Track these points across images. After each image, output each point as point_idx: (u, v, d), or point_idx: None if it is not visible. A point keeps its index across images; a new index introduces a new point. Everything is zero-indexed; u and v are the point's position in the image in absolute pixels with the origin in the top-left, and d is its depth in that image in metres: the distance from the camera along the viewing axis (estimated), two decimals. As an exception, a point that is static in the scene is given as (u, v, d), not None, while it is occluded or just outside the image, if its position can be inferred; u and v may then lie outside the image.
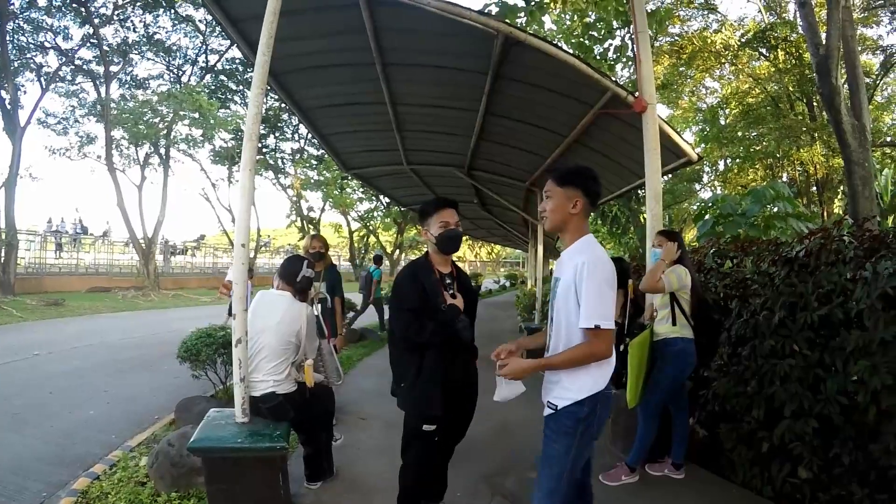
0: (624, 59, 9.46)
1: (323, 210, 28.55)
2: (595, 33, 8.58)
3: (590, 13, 8.02)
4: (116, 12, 19.73)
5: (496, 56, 4.28)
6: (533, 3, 7.19)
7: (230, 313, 3.06)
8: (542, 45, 3.94)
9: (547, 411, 2.24)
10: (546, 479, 2.21)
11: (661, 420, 3.72)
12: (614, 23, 8.48)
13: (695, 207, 23.35)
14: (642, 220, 14.88)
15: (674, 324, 3.58)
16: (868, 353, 2.99)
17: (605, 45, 8.94)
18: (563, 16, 9.64)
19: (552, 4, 8.00)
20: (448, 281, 2.87)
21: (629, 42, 9.01)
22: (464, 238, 38.42)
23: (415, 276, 2.82)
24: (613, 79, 4.46)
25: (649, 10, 8.91)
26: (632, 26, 8.64)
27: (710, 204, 10.07)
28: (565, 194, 2.19)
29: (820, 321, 3.34)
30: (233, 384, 3.06)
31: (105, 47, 19.67)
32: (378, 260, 12.99)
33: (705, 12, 20.15)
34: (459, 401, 2.85)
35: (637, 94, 4.10)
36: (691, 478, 3.76)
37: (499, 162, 8.37)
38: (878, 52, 18.37)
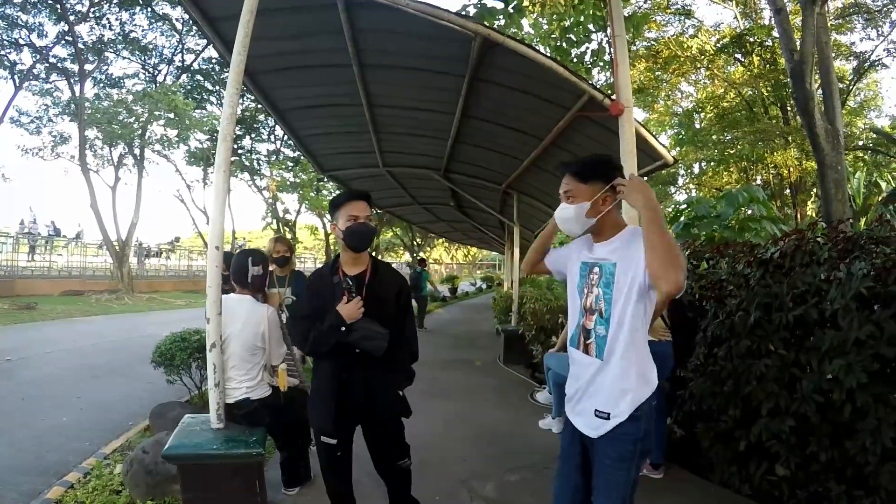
0: (601, 63, 9.52)
1: (299, 212, 28.41)
2: (572, 37, 8.60)
3: (567, 17, 8.03)
4: (92, 9, 19.37)
5: (474, 58, 4.27)
6: (511, 6, 7.19)
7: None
8: (519, 48, 3.93)
9: (598, 424, 1.93)
10: None
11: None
12: (591, 27, 8.51)
13: (670, 210, 23.65)
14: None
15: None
16: (842, 353, 3.03)
17: (582, 48, 8.98)
18: (539, 20, 9.68)
19: (531, 7, 8.04)
20: (351, 284, 2.57)
21: (606, 46, 9.07)
22: (440, 240, 38.40)
23: (313, 281, 2.74)
24: (590, 82, 4.46)
25: (626, 15, 8.99)
26: (609, 30, 8.75)
27: (685, 206, 10.18)
28: (591, 190, 1.95)
29: (795, 321, 3.38)
30: (207, 389, 3.00)
31: (80, 45, 19.31)
32: (423, 262, 15.89)
33: (682, 17, 20.45)
34: (365, 422, 2.63)
35: (614, 97, 4.12)
36: (670, 477, 3.78)
37: (475, 164, 8.38)
38: (850, 58, 18.84)
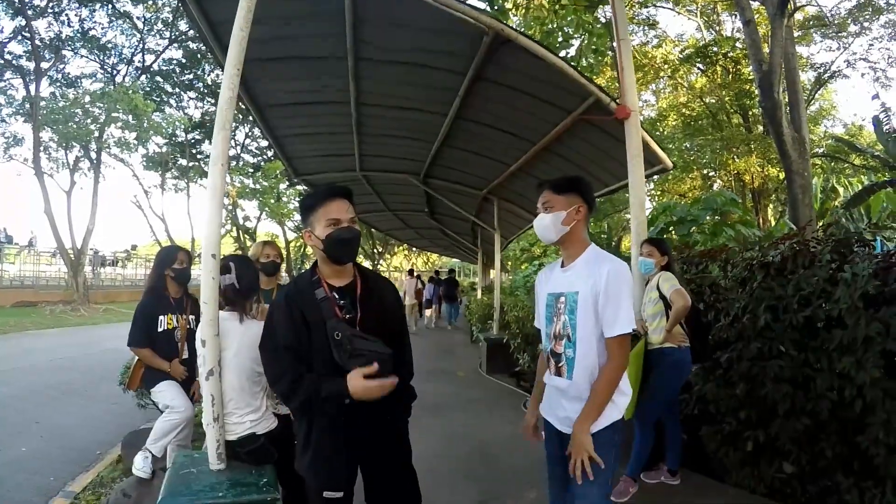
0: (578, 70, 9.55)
1: (259, 219, 27.98)
2: (552, 42, 8.62)
3: (550, 22, 8.03)
4: (51, 4, 18.63)
5: (481, 55, 4.13)
6: (495, 8, 7.14)
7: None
8: (531, 46, 3.83)
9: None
10: (595, 497, 2.05)
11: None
12: (570, 30, 8.55)
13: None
14: (589, 229, 15.15)
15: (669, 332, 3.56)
16: (851, 350, 3.10)
17: (562, 54, 9.01)
18: (517, 23, 9.67)
19: (514, 10, 8.02)
20: (344, 299, 2.09)
21: (584, 51, 9.13)
22: (401, 247, 37.94)
23: (289, 299, 2.09)
24: (598, 84, 4.39)
25: (601, 26, 9.06)
26: (591, 37, 8.84)
27: (661, 211, 10.35)
28: (567, 201, 2.15)
29: (804, 322, 3.42)
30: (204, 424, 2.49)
31: (37, 41, 18.58)
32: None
33: (645, 28, 20.99)
34: (374, 460, 2.17)
35: (619, 100, 4.06)
36: (687, 483, 3.73)
37: (458, 169, 8.25)
38: (807, 69, 19.66)
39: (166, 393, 3.53)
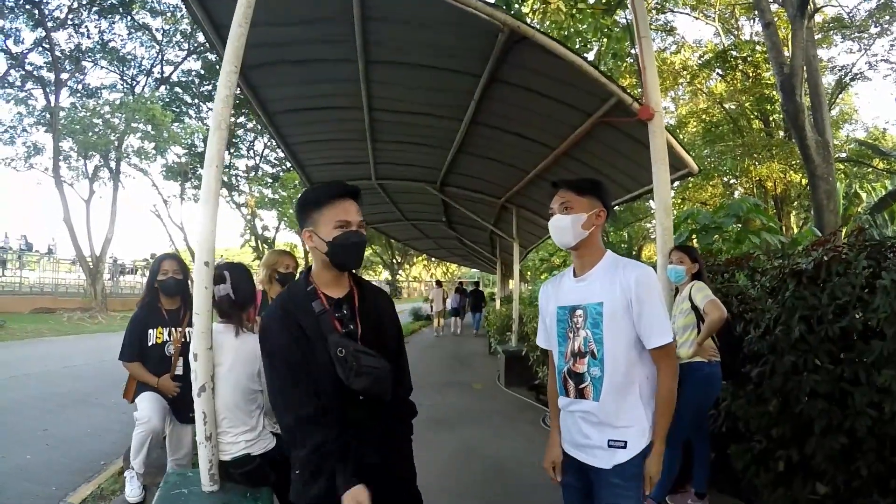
0: (598, 68, 9.38)
1: (278, 229, 28.21)
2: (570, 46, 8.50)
3: (568, 27, 7.90)
4: (70, 16, 19.02)
5: (496, 55, 3.98)
6: (511, 14, 7.02)
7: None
8: (549, 43, 3.68)
9: (612, 454, 1.91)
10: None
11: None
12: (588, 36, 8.42)
13: (651, 225, 23.89)
14: (609, 238, 14.94)
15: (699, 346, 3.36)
16: (892, 363, 2.89)
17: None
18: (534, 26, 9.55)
19: (531, 14, 7.90)
20: (343, 311, 1.90)
21: (603, 56, 8.98)
22: (419, 258, 37.39)
23: (285, 310, 1.88)
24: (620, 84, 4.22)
25: (619, 29, 8.89)
26: (609, 41, 8.68)
27: (684, 218, 10.11)
28: (588, 203, 1.98)
29: (840, 333, 3.21)
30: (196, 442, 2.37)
31: (57, 53, 19.00)
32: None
33: (664, 34, 20.78)
34: (381, 487, 1.89)
35: (641, 101, 3.89)
36: (715, 505, 3.51)
37: (475, 177, 8.08)
38: (826, 71, 19.34)
39: (140, 404, 3.48)
